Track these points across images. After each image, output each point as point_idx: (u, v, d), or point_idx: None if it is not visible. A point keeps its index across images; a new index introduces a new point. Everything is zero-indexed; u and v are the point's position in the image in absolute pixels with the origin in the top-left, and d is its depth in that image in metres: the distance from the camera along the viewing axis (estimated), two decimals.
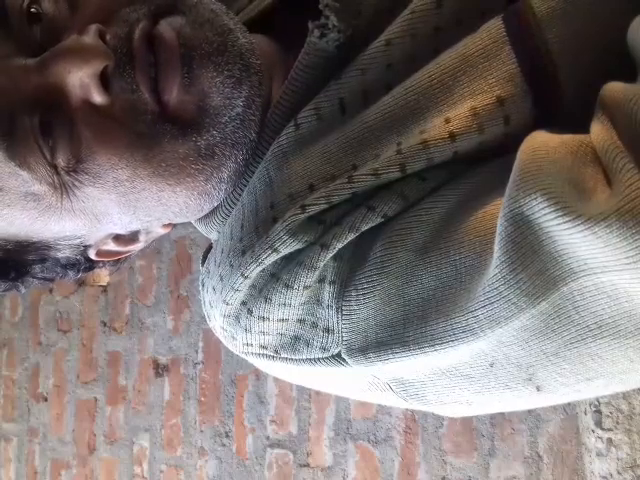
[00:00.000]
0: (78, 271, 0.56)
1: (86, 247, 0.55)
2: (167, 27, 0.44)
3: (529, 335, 0.42)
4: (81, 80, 0.43)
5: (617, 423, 1.38)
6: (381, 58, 0.49)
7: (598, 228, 0.36)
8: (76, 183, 0.46)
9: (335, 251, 0.46)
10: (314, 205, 0.47)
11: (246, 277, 0.49)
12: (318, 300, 0.48)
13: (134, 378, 2.32)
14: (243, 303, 0.50)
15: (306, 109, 0.49)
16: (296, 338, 0.50)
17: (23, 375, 2.67)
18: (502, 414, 1.58)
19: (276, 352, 0.51)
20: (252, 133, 0.49)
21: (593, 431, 1.41)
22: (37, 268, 0.54)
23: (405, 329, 0.45)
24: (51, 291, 2.61)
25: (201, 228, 0.58)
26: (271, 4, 0.56)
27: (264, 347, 0.52)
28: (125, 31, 0.44)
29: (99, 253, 0.56)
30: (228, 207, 0.54)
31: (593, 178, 0.39)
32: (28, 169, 0.45)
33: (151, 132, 0.45)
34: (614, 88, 0.42)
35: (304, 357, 0.50)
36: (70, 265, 0.55)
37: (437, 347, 0.44)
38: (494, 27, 0.46)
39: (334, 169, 0.48)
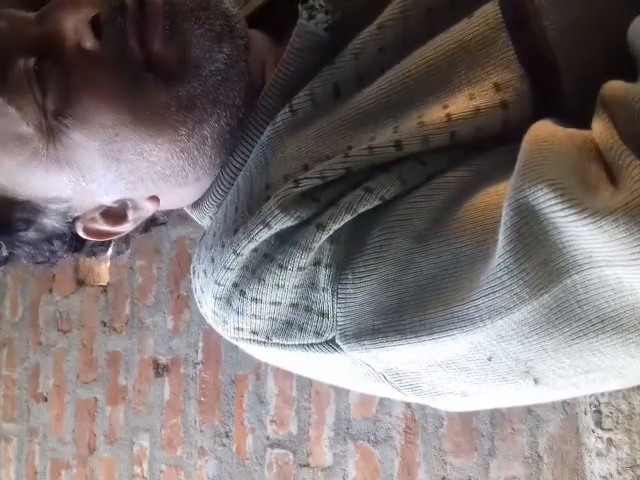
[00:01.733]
0: (64, 244, 0.57)
1: (74, 220, 0.55)
2: None
3: (529, 330, 0.42)
4: (75, 25, 0.46)
5: (617, 423, 1.38)
6: (374, 42, 0.49)
7: (604, 222, 0.36)
8: (62, 128, 0.47)
9: (331, 232, 0.46)
10: (307, 179, 0.47)
11: (238, 254, 0.49)
12: (313, 283, 0.47)
13: (134, 378, 2.32)
14: (235, 285, 0.50)
15: (301, 94, 0.50)
16: (289, 323, 0.49)
17: (23, 375, 2.67)
18: (502, 414, 1.58)
19: (267, 338, 0.51)
20: (236, 97, 0.50)
21: (593, 431, 1.41)
22: (24, 234, 0.54)
23: (402, 316, 0.45)
24: (51, 291, 2.61)
25: (194, 215, 0.60)
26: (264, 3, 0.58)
27: (255, 332, 0.51)
28: None
29: (87, 231, 0.57)
30: (221, 190, 0.55)
31: (596, 175, 0.39)
32: (17, 107, 0.46)
33: (136, 79, 0.47)
34: (615, 87, 0.42)
35: (297, 343, 0.50)
36: (57, 236, 0.56)
37: (435, 336, 0.44)
38: (491, 12, 0.46)
39: (329, 150, 0.48)
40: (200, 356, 2.16)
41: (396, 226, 0.46)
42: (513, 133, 0.45)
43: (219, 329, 0.54)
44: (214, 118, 0.50)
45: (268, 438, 1.98)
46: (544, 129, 0.43)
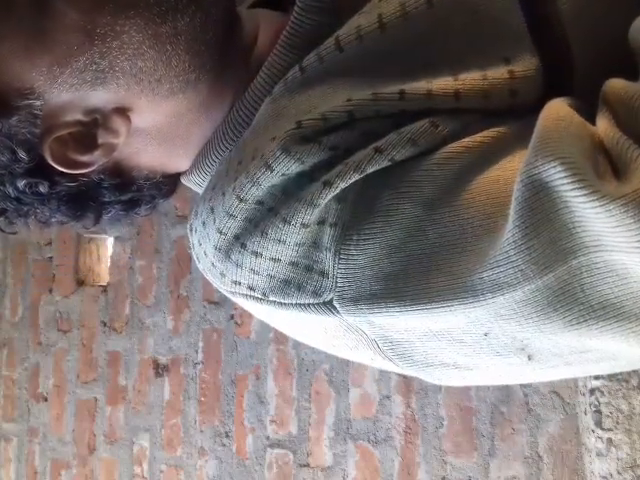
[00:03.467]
0: (28, 160, 0.53)
1: (42, 136, 0.52)
2: None
3: (529, 311, 0.42)
4: None
5: (617, 423, 1.38)
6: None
7: (613, 206, 0.37)
8: None
9: (337, 191, 0.46)
10: (309, 121, 0.47)
11: (242, 200, 0.49)
12: (315, 242, 0.47)
13: (134, 378, 2.32)
14: (236, 237, 0.49)
15: (311, 55, 0.50)
16: (287, 282, 0.49)
17: (23, 375, 2.67)
18: (502, 414, 1.58)
19: (264, 295, 0.50)
20: (215, 10, 0.51)
21: (593, 431, 1.41)
22: None
23: (403, 284, 0.45)
24: (51, 291, 2.61)
25: (192, 183, 0.58)
26: None
27: (252, 288, 0.51)
28: None
29: (55, 155, 0.53)
30: (227, 143, 0.55)
31: (603, 166, 0.40)
32: None
33: None
34: (616, 85, 0.43)
35: (294, 302, 0.49)
36: (21, 143, 0.52)
37: (434, 305, 0.44)
38: None
39: (336, 99, 0.48)
40: (200, 356, 2.16)
41: (406, 192, 0.45)
42: (525, 108, 0.45)
43: (216, 282, 0.54)
44: (188, 13, 0.50)
45: (268, 438, 1.98)
46: (562, 108, 0.43)
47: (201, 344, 2.16)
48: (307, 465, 1.90)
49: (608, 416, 1.39)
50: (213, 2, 0.52)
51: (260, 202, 0.48)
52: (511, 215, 0.41)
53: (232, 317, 2.09)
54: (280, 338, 1.98)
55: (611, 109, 0.42)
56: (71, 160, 0.54)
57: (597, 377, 1.41)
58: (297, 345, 1.94)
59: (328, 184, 0.46)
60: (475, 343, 0.46)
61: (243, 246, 0.49)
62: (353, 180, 0.46)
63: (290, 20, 0.53)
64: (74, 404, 2.48)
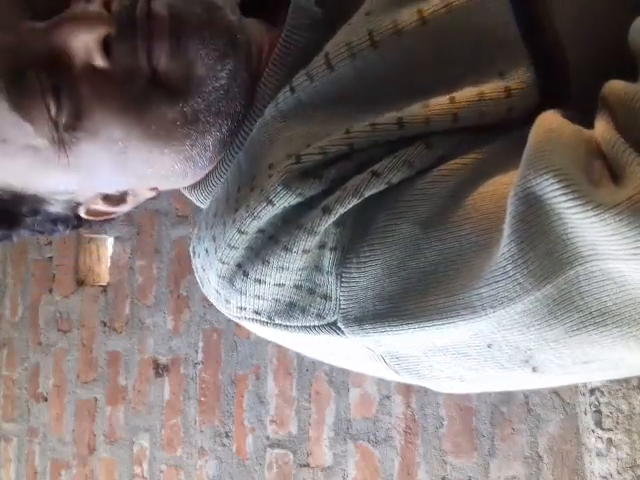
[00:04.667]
0: (67, 227, 0.59)
1: (77, 204, 0.57)
2: (162, 2, 0.48)
3: (531, 320, 0.43)
4: (85, 44, 0.47)
5: (617, 423, 1.38)
6: (364, 11, 0.50)
7: (608, 215, 0.37)
8: (74, 140, 0.49)
9: (337, 216, 0.46)
10: (309, 155, 0.47)
11: (243, 232, 0.49)
12: (317, 266, 0.48)
13: (134, 378, 2.32)
14: (239, 265, 0.50)
15: (300, 73, 0.50)
16: (291, 304, 0.50)
17: (23, 375, 2.67)
18: (502, 414, 1.58)
19: (269, 318, 0.51)
20: (237, 105, 0.52)
21: (593, 431, 1.41)
22: (29, 220, 0.57)
23: (404, 302, 0.45)
24: (51, 291, 2.61)
25: (194, 197, 0.60)
26: None
27: (257, 313, 0.51)
28: (129, 3, 0.48)
29: (89, 212, 0.59)
30: (222, 171, 0.56)
31: (599, 172, 0.40)
32: (31, 122, 0.48)
33: (144, 95, 0.48)
34: (615, 87, 0.43)
35: (299, 324, 0.50)
36: (60, 220, 0.58)
37: (437, 322, 0.44)
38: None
39: (332, 129, 0.48)
40: (200, 356, 2.16)
41: (402, 212, 0.46)
42: (519, 121, 0.45)
43: (222, 308, 0.55)
44: (216, 127, 0.52)
45: (268, 438, 1.98)
46: (554, 120, 0.43)
47: (201, 344, 2.16)
48: (307, 465, 1.90)
49: (608, 416, 1.39)
50: (237, 99, 0.52)
51: (261, 231, 0.49)
52: (506, 229, 0.41)
53: None
54: None
55: (610, 111, 0.42)
56: (102, 212, 0.59)
57: None
58: None
59: (327, 210, 0.46)
60: (479, 356, 0.46)
61: (245, 274, 0.50)
62: (352, 205, 0.46)
63: (281, 39, 0.53)
64: (74, 404, 2.48)
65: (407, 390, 1.74)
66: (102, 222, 0.62)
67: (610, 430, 1.39)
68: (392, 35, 0.48)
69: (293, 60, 0.52)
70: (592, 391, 1.42)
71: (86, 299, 2.50)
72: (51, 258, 2.62)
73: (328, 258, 0.47)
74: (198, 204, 0.61)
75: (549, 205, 0.39)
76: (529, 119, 0.44)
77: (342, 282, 0.47)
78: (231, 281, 0.51)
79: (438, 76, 0.48)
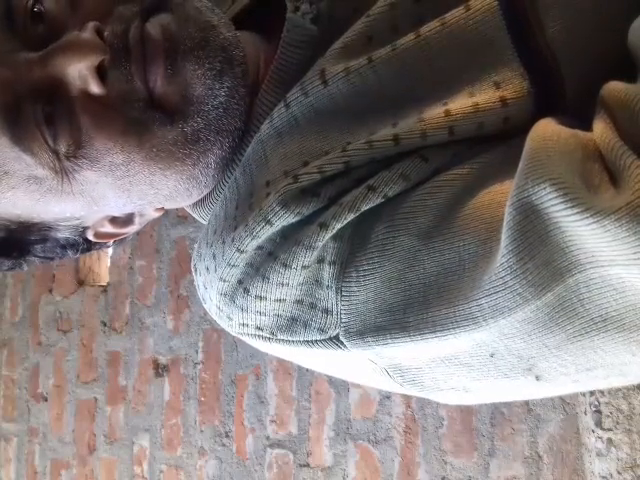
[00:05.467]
0: (77, 251, 0.60)
1: (84, 228, 0.58)
2: (155, 25, 0.48)
3: (532, 328, 0.42)
4: (80, 72, 0.47)
5: (617, 423, 1.38)
6: (363, 30, 0.50)
7: (607, 221, 0.36)
8: (75, 167, 0.49)
9: (334, 231, 0.46)
10: (306, 175, 0.47)
11: (242, 251, 0.49)
12: (317, 281, 0.48)
13: (134, 378, 2.32)
14: (239, 282, 0.50)
15: (295, 89, 0.51)
16: (293, 319, 0.50)
17: (23, 375, 2.67)
18: (502, 414, 1.58)
19: (272, 334, 0.51)
20: (237, 121, 0.52)
21: (593, 431, 1.41)
22: (38, 248, 0.57)
23: (405, 314, 0.45)
24: (51, 291, 2.61)
25: (196, 214, 0.61)
26: (250, 2, 0.59)
27: (260, 328, 0.52)
28: (121, 28, 0.48)
29: (97, 234, 0.59)
30: (222, 188, 0.56)
31: (598, 175, 0.39)
32: (32, 154, 0.48)
33: (143, 119, 0.48)
34: (614, 88, 0.42)
35: (301, 339, 0.50)
36: (69, 245, 0.59)
37: (438, 334, 0.44)
38: (489, 9, 0.47)
39: (328, 146, 0.49)
40: (200, 356, 2.16)
41: (400, 224, 0.46)
42: (516, 131, 0.45)
43: (224, 325, 0.55)
44: (217, 145, 0.52)
45: (268, 438, 1.98)
46: (548, 127, 0.43)
47: (201, 344, 2.16)
48: (307, 465, 1.90)
49: (608, 416, 1.39)
50: (237, 116, 0.52)
51: (259, 247, 0.49)
52: (503, 240, 0.41)
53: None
54: None
55: (609, 112, 0.42)
56: (110, 234, 0.60)
57: None
58: None
59: (324, 226, 0.46)
60: (482, 366, 0.46)
61: (246, 291, 0.50)
62: (349, 220, 0.46)
63: (277, 55, 0.53)
64: (74, 404, 2.48)
65: None
66: (113, 243, 0.62)
67: (610, 430, 1.39)
68: (387, 51, 0.48)
69: (289, 77, 0.52)
70: (592, 391, 1.41)
71: (86, 299, 2.50)
72: None
73: (327, 272, 0.47)
74: (201, 221, 0.61)
75: (546, 214, 0.39)
76: (526, 129, 0.44)
77: (342, 296, 0.47)
78: (232, 298, 0.51)
79: (432, 90, 0.48)
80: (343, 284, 0.47)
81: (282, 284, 0.49)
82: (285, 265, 0.48)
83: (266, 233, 0.48)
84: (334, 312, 0.48)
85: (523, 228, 0.40)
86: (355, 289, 0.47)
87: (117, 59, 0.48)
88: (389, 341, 0.46)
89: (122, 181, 0.51)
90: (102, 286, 2.48)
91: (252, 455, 2.00)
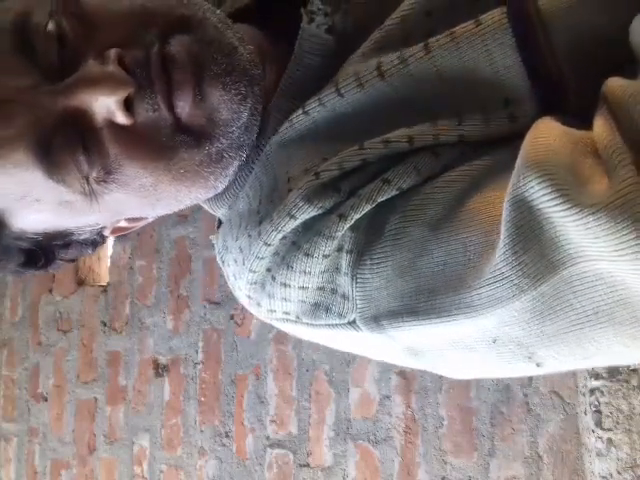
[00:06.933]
0: (95, 248, 0.63)
1: (103, 228, 0.61)
2: (178, 47, 0.49)
3: (530, 317, 0.45)
4: (107, 107, 0.48)
5: (617, 423, 1.38)
6: (374, 44, 0.53)
7: (590, 219, 0.39)
8: (105, 190, 0.52)
9: (352, 222, 0.50)
10: (326, 171, 0.51)
11: (268, 245, 0.53)
12: (337, 268, 0.51)
13: (134, 378, 2.32)
14: (268, 270, 0.54)
15: (312, 99, 0.53)
16: (316, 305, 0.53)
17: (23, 375, 2.67)
18: (502, 414, 1.58)
19: (298, 318, 0.55)
20: (254, 135, 0.54)
21: (593, 431, 1.41)
22: (62, 252, 0.61)
23: (415, 300, 0.48)
24: (51, 291, 2.61)
25: (207, 206, 0.63)
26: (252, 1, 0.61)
27: (287, 313, 0.56)
28: (142, 55, 0.48)
29: (113, 230, 0.63)
30: (238, 186, 0.58)
31: (592, 168, 0.41)
32: (64, 183, 0.50)
33: (170, 144, 0.50)
34: (615, 84, 0.43)
35: (323, 323, 0.54)
36: (89, 244, 0.62)
37: (443, 319, 0.47)
38: (499, 26, 0.48)
39: (346, 146, 0.52)
40: (200, 356, 2.16)
41: (412, 215, 0.49)
42: (521, 133, 0.47)
43: (253, 311, 0.59)
44: (237, 159, 0.54)
45: (268, 438, 1.98)
46: (543, 127, 0.45)
47: (201, 344, 2.16)
48: (307, 465, 1.90)
49: (608, 416, 1.39)
50: (254, 131, 0.54)
51: (284, 237, 0.53)
52: (502, 233, 0.43)
53: (232, 317, 2.09)
54: (280, 338, 1.98)
55: (609, 108, 0.43)
56: (124, 228, 0.63)
57: (597, 377, 1.41)
58: (297, 345, 1.94)
59: (343, 217, 0.50)
60: (486, 352, 0.49)
61: (273, 278, 0.54)
62: (365, 211, 0.49)
63: (291, 63, 0.55)
64: (74, 404, 2.48)
65: (407, 390, 1.74)
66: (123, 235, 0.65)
67: (610, 430, 1.39)
68: (397, 65, 0.50)
69: (303, 84, 0.55)
70: (592, 391, 1.41)
71: (86, 299, 2.50)
72: None
73: (345, 260, 0.51)
74: (210, 212, 0.64)
75: (539, 210, 0.41)
76: (528, 129, 0.46)
77: (357, 283, 0.51)
78: (262, 286, 0.55)
79: (443, 101, 0.50)
80: (358, 271, 0.50)
81: (305, 272, 0.52)
82: (307, 254, 0.51)
83: (289, 226, 0.51)
84: (350, 297, 0.51)
85: (518, 222, 0.42)
86: (369, 276, 0.50)
87: (142, 89, 0.48)
88: (401, 325, 0.49)
89: (149, 199, 0.54)
90: (102, 286, 2.48)
91: (252, 455, 2.01)
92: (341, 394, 1.85)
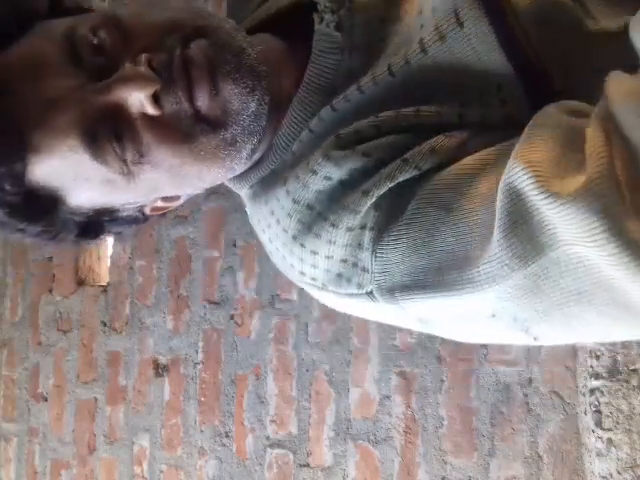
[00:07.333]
0: (139, 224, 0.74)
1: (142, 206, 0.71)
2: (195, 50, 0.59)
3: (522, 293, 0.50)
4: (140, 100, 0.58)
5: (617, 423, 1.38)
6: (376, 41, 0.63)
7: (563, 208, 0.43)
8: (140, 170, 0.62)
9: (374, 198, 0.57)
10: (345, 133, 0.60)
11: (295, 201, 0.62)
12: (359, 244, 0.58)
13: (134, 378, 2.32)
14: (294, 237, 0.62)
15: (340, 95, 0.62)
16: (339, 275, 0.60)
17: (23, 375, 2.67)
18: (502, 414, 1.58)
19: (323, 285, 0.62)
20: (263, 122, 0.63)
21: (593, 431, 1.41)
22: (110, 225, 0.71)
23: (426, 276, 0.55)
24: (51, 291, 2.61)
25: (231, 184, 0.72)
26: (286, 7, 0.70)
27: (314, 279, 0.63)
28: (166, 58, 0.59)
29: (152, 209, 0.72)
30: (265, 167, 0.67)
31: (580, 162, 0.45)
32: (107, 164, 0.60)
33: (192, 131, 0.60)
34: (614, 79, 0.47)
35: (345, 292, 0.61)
36: (133, 220, 0.72)
37: (448, 293, 0.54)
38: (483, 33, 0.57)
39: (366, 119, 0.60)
40: (200, 356, 2.16)
41: (427, 198, 0.55)
42: (516, 122, 0.54)
43: (288, 272, 0.67)
44: (250, 143, 0.63)
45: (268, 438, 1.98)
46: (543, 113, 0.51)
47: (201, 344, 2.16)
48: (307, 465, 1.90)
49: (608, 416, 1.39)
50: (264, 117, 0.62)
51: (310, 207, 0.61)
52: (496, 218, 0.49)
53: (232, 317, 2.09)
54: (280, 338, 1.98)
55: (608, 102, 0.45)
56: (161, 208, 0.73)
57: (597, 377, 1.41)
58: (297, 345, 1.94)
59: (366, 193, 0.57)
60: (487, 325, 0.55)
61: (302, 245, 0.62)
62: (386, 188, 0.57)
63: (310, 63, 0.64)
64: (74, 404, 2.48)
65: (407, 390, 1.74)
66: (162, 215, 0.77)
67: (610, 430, 1.39)
68: (403, 66, 0.60)
69: (323, 80, 0.64)
70: (592, 391, 1.42)
71: (86, 299, 2.50)
72: (51, 258, 2.62)
73: (367, 237, 0.57)
74: (232, 189, 0.74)
75: (526, 197, 0.46)
76: (526, 119, 0.52)
77: (377, 258, 0.57)
78: (292, 250, 0.63)
79: (445, 95, 0.59)
80: (378, 247, 0.57)
81: (331, 242, 0.60)
82: (333, 225, 0.59)
83: (313, 183, 0.60)
84: (370, 271, 0.58)
85: (509, 208, 0.48)
86: (387, 252, 0.57)
87: (167, 86, 0.58)
88: (413, 297, 0.56)
89: (176, 177, 0.64)
90: (102, 286, 2.48)
91: (252, 455, 2.01)
92: (341, 394, 1.85)
